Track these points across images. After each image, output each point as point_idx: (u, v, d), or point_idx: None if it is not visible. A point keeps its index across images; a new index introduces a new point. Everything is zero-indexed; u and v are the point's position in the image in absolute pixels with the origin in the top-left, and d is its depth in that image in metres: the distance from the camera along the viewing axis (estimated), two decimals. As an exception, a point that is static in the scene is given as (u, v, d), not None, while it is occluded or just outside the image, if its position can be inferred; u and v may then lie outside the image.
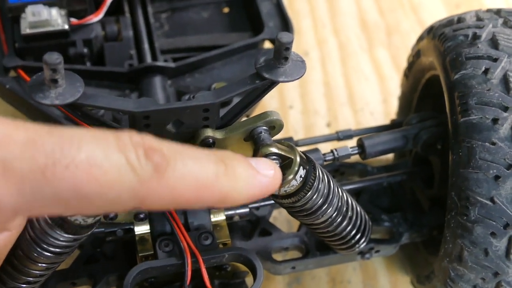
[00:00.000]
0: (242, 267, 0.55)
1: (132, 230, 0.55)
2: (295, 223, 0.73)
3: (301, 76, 0.45)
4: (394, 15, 1.05)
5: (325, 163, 0.61)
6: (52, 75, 0.39)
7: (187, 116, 0.46)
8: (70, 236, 0.45)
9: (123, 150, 0.31)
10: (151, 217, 0.55)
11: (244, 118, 0.50)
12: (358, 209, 0.56)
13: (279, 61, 0.45)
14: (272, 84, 0.46)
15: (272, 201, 0.59)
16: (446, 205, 0.56)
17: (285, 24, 0.72)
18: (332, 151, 0.61)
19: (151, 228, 0.55)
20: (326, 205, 0.50)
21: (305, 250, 0.63)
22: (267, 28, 0.72)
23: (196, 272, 0.52)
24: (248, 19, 0.75)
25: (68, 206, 0.30)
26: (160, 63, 0.68)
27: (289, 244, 0.64)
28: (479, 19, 0.59)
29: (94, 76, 0.67)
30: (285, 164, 0.46)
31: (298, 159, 0.46)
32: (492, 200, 0.51)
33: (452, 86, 0.55)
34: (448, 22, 0.61)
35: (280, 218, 0.77)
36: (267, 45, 0.74)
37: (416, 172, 0.68)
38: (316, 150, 0.61)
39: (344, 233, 0.55)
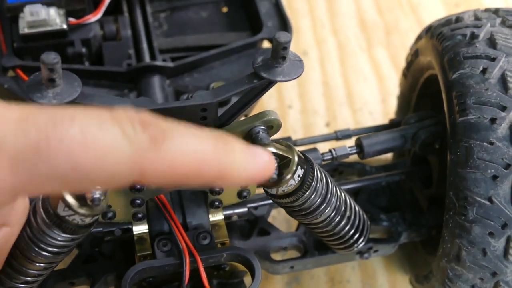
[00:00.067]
0: (241, 267, 0.55)
1: (130, 230, 0.55)
2: (294, 222, 0.73)
3: (299, 76, 0.45)
4: (393, 14, 1.06)
5: (323, 162, 0.61)
6: (50, 75, 0.39)
7: (185, 115, 0.46)
8: (68, 235, 0.45)
9: (118, 122, 0.30)
10: (149, 216, 0.55)
11: (242, 118, 0.50)
12: (357, 208, 0.56)
13: (277, 61, 0.45)
14: (270, 83, 0.46)
15: (271, 201, 0.59)
16: (444, 204, 0.56)
17: (284, 24, 0.72)
18: (330, 151, 0.61)
19: (149, 228, 0.55)
20: (324, 204, 0.50)
21: (304, 249, 0.63)
22: (265, 27, 0.72)
23: (194, 272, 0.51)
24: (246, 19, 0.75)
25: (66, 181, 0.29)
26: (159, 62, 0.68)
27: (287, 244, 0.64)
28: (477, 18, 0.59)
29: (92, 75, 0.67)
30: (283, 164, 0.46)
31: (296, 158, 0.46)
32: (490, 200, 0.51)
33: (450, 85, 0.55)
34: (447, 22, 0.61)
35: (279, 217, 0.77)
36: (266, 44, 0.74)
37: (414, 171, 0.68)
38: (315, 149, 0.61)
39: (343, 232, 0.55)
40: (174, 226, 0.53)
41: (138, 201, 0.51)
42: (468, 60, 0.55)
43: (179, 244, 0.52)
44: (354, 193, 0.68)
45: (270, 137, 0.49)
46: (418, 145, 0.62)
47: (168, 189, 0.32)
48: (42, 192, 0.30)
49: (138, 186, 0.50)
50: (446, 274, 0.55)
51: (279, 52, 0.44)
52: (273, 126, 0.49)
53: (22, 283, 0.48)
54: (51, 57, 0.38)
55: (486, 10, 0.61)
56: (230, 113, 0.50)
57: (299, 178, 0.47)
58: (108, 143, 0.30)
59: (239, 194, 0.54)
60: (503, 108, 0.52)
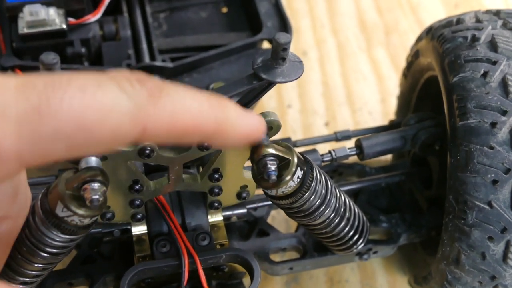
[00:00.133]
0: (240, 268, 0.55)
1: (129, 231, 0.55)
2: (293, 223, 0.73)
3: (299, 77, 0.45)
4: (393, 14, 1.05)
5: (323, 163, 0.61)
6: (49, 76, 0.39)
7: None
8: (67, 236, 0.44)
9: (115, 80, 0.31)
10: (148, 217, 0.55)
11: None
12: (356, 210, 0.56)
13: (277, 62, 0.45)
14: (270, 84, 0.46)
15: (270, 202, 0.59)
16: (444, 206, 0.55)
17: (284, 24, 0.72)
18: (330, 152, 0.61)
19: (148, 229, 0.55)
20: (324, 206, 0.50)
21: (303, 251, 0.63)
22: (265, 28, 0.72)
23: (193, 273, 0.51)
24: (246, 19, 0.75)
25: (71, 142, 0.30)
26: (158, 63, 0.68)
27: (286, 245, 0.64)
28: (478, 20, 0.59)
29: (91, 75, 0.66)
30: (283, 165, 0.46)
31: (295, 160, 0.46)
32: (490, 204, 0.51)
33: (451, 88, 0.55)
34: (447, 23, 0.61)
35: (278, 218, 0.77)
36: (266, 45, 0.74)
37: (414, 172, 0.68)
38: (314, 150, 0.61)
39: (342, 234, 0.55)
40: (173, 227, 0.53)
41: (137, 202, 0.51)
42: (469, 63, 0.54)
43: (178, 245, 0.52)
44: (353, 194, 0.67)
45: (269, 138, 0.49)
46: (418, 146, 0.62)
47: (168, 143, 0.33)
48: (49, 158, 0.30)
49: (137, 187, 0.50)
50: (445, 277, 0.55)
51: (279, 53, 0.44)
52: (272, 127, 0.49)
53: (20, 284, 0.48)
54: (50, 57, 0.38)
55: (487, 12, 0.61)
56: (229, 114, 0.49)
57: (299, 180, 0.47)
58: (108, 99, 0.30)
59: (238, 195, 0.54)
60: (504, 113, 0.51)
